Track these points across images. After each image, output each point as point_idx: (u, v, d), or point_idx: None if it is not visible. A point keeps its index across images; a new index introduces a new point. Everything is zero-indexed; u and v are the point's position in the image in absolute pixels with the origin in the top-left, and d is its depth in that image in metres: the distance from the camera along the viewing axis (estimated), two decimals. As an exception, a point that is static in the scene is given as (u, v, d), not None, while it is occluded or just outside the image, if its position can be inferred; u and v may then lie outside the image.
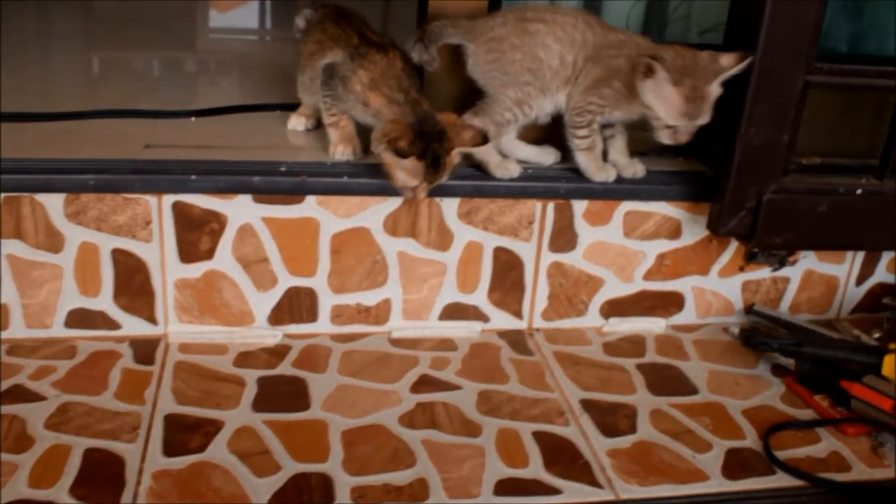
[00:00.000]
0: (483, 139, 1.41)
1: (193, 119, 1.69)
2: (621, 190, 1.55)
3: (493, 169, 1.50)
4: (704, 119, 1.42)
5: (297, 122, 1.66)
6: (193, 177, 1.41)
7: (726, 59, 1.39)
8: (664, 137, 1.44)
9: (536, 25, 1.45)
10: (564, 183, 1.52)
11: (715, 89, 1.40)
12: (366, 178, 1.46)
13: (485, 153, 1.49)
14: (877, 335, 1.67)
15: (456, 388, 1.44)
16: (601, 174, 1.52)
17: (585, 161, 1.52)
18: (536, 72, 1.46)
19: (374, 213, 1.49)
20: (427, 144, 1.36)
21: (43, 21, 2.85)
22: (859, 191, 1.52)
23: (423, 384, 1.44)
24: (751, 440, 1.37)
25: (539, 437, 1.34)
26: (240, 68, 2.41)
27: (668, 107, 1.41)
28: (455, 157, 1.40)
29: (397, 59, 1.45)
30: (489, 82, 1.49)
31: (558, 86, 1.47)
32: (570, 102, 1.49)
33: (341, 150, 1.51)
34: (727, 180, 1.46)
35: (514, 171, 1.51)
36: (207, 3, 3.44)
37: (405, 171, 1.38)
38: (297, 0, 3.76)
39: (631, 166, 1.57)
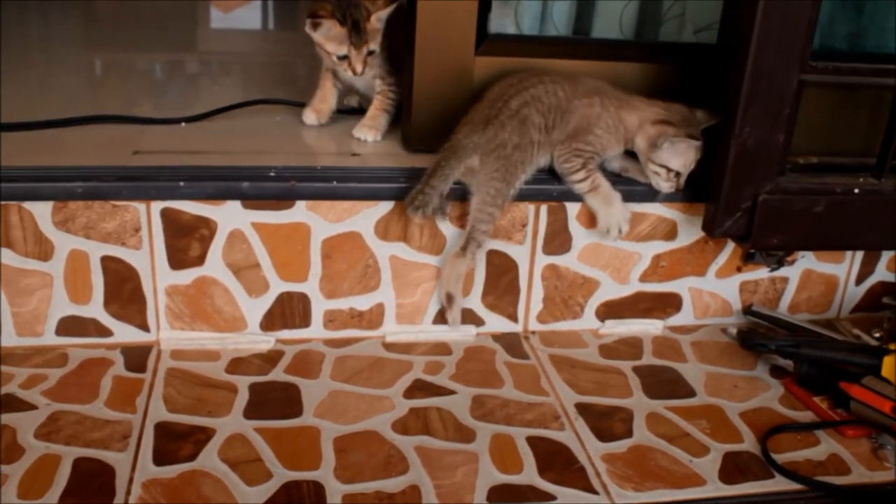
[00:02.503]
0: (392, 1, 1.57)
1: (183, 124, 1.68)
2: (615, 192, 1.54)
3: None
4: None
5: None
6: (182, 183, 1.40)
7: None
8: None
9: (525, 112, 1.44)
10: (557, 185, 1.50)
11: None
12: (356, 182, 1.45)
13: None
14: (877, 334, 1.65)
15: (450, 392, 1.43)
16: (614, 227, 1.52)
17: (596, 203, 1.51)
18: (526, 159, 1.46)
19: (364, 217, 1.47)
20: (345, 12, 1.56)
21: (44, 23, 2.85)
22: (857, 190, 1.50)
23: (417, 389, 1.43)
24: (749, 443, 1.35)
25: (533, 442, 1.32)
26: (241, 69, 2.40)
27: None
28: (375, 22, 1.58)
29: None
30: (499, 182, 1.44)
31: (537, 155, 1.48)
32: (554, 155, 1.50)
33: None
34: (722, 181, 1.44)
35: None
36: (209, 4, 3.46)
37: (333, 41, 1.59)
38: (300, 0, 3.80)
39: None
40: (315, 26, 1.58)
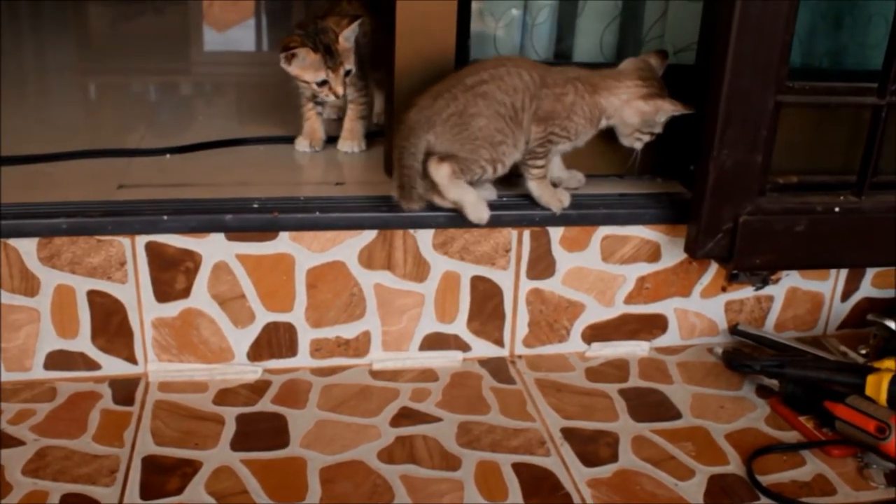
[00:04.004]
0: (354, 18, 1.64)
1: (168, 156, 1.69)
2: (597, 215, 1.54)
3: (467, 207, 1.47)
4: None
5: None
6: (165, 217, 1.41)
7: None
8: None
9: (483, 88, 1.43)
10: (539, 210, 1.51)
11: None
12: (338, 212, 1.46)
13: (461, 193, 1.46)
14: (864, 351, 1.66)
15: (436, 420, 1.43)
16: (556, 203, 1.52)
17: (539, 190, 1.52)
18: (505, 130, 1.44)
19: (348, 246, 1.48)
20: (315, 39, 1.63)
21: (38, 49, 2.88)
22: (837, 209, 1.51)
23: (403, 417, 1.43)
24: (734, 465, 1.35)
25: (519, 468, 1.32)
26: (233, 93, 2.41)
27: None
28: (344, 42, 1.64)
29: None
30: (459, 149, 1.44)
31: (518, 132, 1.46)
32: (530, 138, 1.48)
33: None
34: (702, 203, 1.45)
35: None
36: (203, 26, 3.49)
37: (310, 69, 1.65)
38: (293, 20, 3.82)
39: (573, 179, 1.61)
40: (290, 59, 1.63)
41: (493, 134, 1.43)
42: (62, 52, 2.92)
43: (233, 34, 3.42)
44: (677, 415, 1.48)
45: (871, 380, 1.40)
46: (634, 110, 1.50)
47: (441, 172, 1.44)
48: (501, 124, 1.44)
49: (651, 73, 1.52)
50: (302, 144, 1.78)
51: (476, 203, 1.47)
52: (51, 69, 2.65)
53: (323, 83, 1.66)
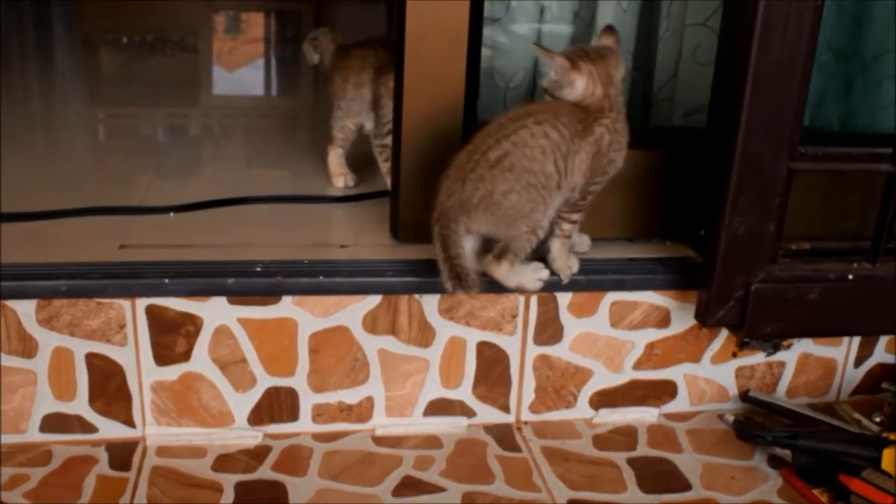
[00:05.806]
0: None
1: (172, 214, 1.67)
2: (606, 281, 1.52)
3: (529, 284, 1.46)
4: None
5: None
6: (167, 280, 1.39)
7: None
8: None
9: (509, 160, 1.37)
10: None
11: None
12: (343, 276, 1.44)
13: (519, 278, 1.44)
14: (878, 419, 1.62)
15: (439, 490, 1.39)
16: (566, 270, 1.49)
17: (558, 251, 1.48)
18: (536, 198, 1.39)
19: (352, 311, 1.45)
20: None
21: (46, 95, 2.88)
22: (851, 276, 1.48)
23: (406, 487, 1.39)
24: (746, 541, 1.32)
25: (524, 544, 1.29)
26: (241, 140, 2.41)
27: None
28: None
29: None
30: (498, 230, 1.40)
31: (554, 193, 1.40)
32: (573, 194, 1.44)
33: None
34: (713, 271, 1.43)
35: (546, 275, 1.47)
36: (212, 69, 3.52)
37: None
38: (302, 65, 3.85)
39: (583, 242, 1.59)
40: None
41: (524, 205, 1.38)
42: (71, 97, 2.93)
43: (242, 77, 3.44)
44: (687, 486, 1.44)
45: (887, 454, 1.36)
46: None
47: (501, 271, 1.41)
48: (533, 194, 1.38)
49: (586, 48, 1.46)
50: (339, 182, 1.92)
51: (532, 278, 1.46)
52: (59, 115, 2.65)
53: None
